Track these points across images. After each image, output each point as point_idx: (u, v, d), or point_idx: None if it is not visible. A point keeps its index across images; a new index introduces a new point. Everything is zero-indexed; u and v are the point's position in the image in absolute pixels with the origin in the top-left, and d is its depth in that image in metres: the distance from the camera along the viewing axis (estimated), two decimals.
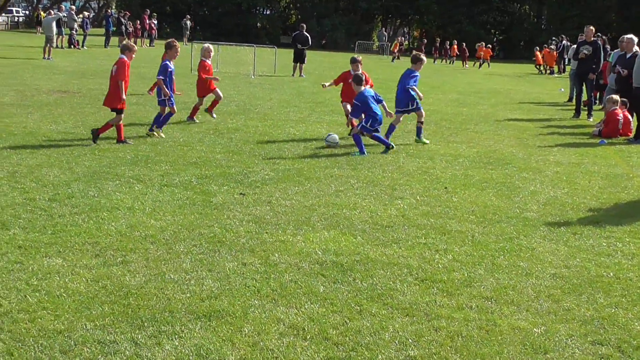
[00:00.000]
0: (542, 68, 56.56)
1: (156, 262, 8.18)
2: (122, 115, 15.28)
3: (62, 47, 46.65)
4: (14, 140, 14.96)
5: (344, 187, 12.41)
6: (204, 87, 19.41)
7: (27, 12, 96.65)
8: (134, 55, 15.38)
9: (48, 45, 38.96)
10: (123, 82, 15.03)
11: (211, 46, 19.98)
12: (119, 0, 77.36)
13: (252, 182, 12.45)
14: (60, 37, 46.80)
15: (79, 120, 17.99)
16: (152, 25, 57.06)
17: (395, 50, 60.44)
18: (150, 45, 56.15)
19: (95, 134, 15.18)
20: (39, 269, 7.80)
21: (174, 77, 16.86)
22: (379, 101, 16.03)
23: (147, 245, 8.79)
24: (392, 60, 58.10)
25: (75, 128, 16.81)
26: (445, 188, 12.71)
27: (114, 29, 55.54)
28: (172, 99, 16.59)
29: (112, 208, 10.37)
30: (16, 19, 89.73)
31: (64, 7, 57.84)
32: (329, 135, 16.53)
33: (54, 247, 8.57)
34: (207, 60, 19.43)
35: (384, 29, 71.35)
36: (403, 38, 73.98)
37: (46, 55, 38.33)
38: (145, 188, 11.63)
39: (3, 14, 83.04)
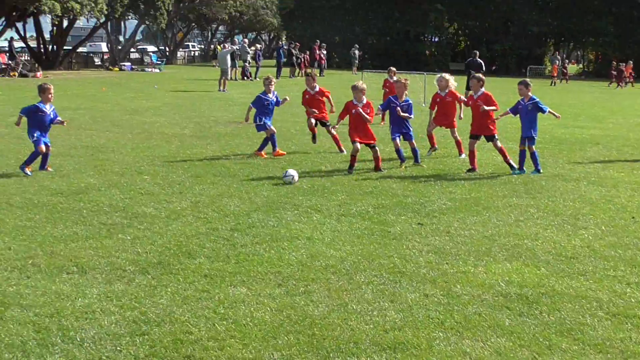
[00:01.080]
0: None
1: (338, 293, 8.23)
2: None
3: (236, 79, 48.02)
4: (195, 171, 15.45)
5: (524, 216, 12.15)
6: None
7: (202, 47, 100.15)
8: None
9: (223, 77, 40.22)
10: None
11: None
12: (289, 32, 78.94)
13: (429, 211, 12.37)
14: (234, 69, 48.21)
15: (255, 150, 18.38)
16: (322, 56, 57.94)
17: (555, 75, 58.84)
18: (320, 75, 57.02)
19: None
20: (225, 298, 7.98)
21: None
22: None
23: (329, 275, 8.86)
24: (552, 84, 56.63)
25: (252, 158, 17.19)
26: (633, 218, 12.22)
27: (285, 60, 56.74)
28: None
29: (292, 238, 10.52)
30: (192, 53, 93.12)
31: (237, 40, 59.64)
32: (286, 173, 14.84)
33: (238, 276, 8.76)
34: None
35: (556, 52, 69.83)
36: (567, 61, 72.17)
37: (221, 88, 39.56)
38: (323, 218, 11.75)
39: (181, 49, 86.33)
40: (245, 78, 49.89)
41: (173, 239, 10.32)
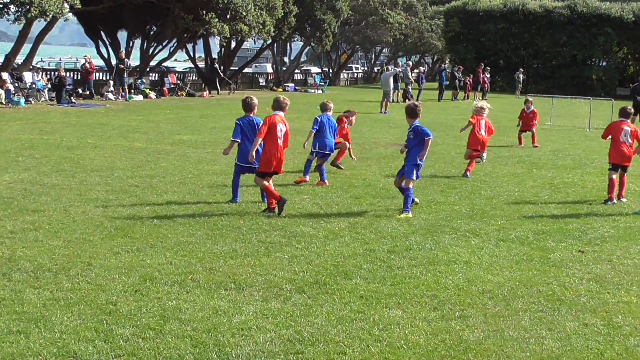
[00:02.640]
0: None
1: (494, 318, 8.06)
2: None
3: (397, 102, 48.07)
4: (355, 192, 15.52)
5: None
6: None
7: (365, 68, 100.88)
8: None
9: (385, 99, 40.38)
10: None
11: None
12: (453, 55, 78.56)
13: (591, 239, 11.99)
14: (397, 91, 48.29)
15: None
16: (486, 79, 57.28)
17: None
18: (483, 99, 56.37)
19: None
20: (380, 320, 7.95)
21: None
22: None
23: (485, 300, 8.70)
24: None
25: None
26: None
27: (447, 83, 56.41)
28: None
29: (449, 261, 10.40)
30: (355, 75, 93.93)
31: (400, 62, 59.74)
32: None
33: (394, 298, 8.72)
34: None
35: None
36: None
37: (383, 109, 39.71)
38: (482, 242, 11.57)
39: (344, 71, 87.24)
40: (407, 100, 49.90)
41: (330, 258, 10.37)
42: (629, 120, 15.90)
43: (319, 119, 16.72)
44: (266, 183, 13.27)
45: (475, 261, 10.45)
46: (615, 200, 15.36)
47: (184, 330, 7.50)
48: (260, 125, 13.30)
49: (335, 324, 7.83)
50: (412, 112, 14.01)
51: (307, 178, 16.73)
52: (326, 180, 16.40)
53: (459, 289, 9.14)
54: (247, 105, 14.20)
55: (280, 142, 13.12)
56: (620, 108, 16.20)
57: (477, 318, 8.07)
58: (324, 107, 17.13)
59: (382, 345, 7.27)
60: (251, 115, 14.10)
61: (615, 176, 15.52)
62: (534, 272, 9.98)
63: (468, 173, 18.07)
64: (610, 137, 15.84)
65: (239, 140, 14.02)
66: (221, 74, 55.31)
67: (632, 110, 16.36)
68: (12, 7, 34.18)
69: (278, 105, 13.64)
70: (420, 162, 13.81)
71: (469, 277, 9.66)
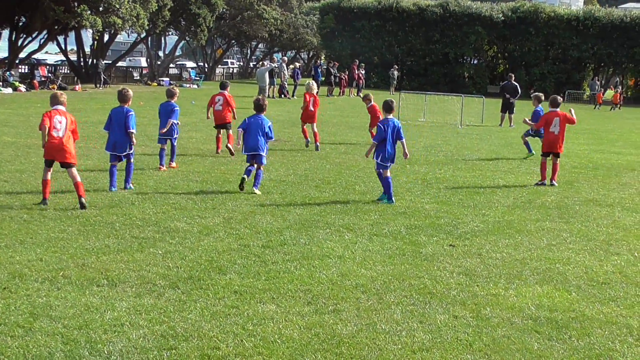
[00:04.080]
0: None
1: (367, 312, 8.20)
2: None
3: (273, 97, 48.15)
4: (229, 187, 15.48)
5: (556, 241, 12.04)
6: None
7: (241, 64, 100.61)
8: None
9: (261, 95, 40.36)
10: None
11: None
12: (329, 51, 79.08)
13: (461, 233, 12.31)
14: (272, 87, 48.36)
15: (290, 168, 18.42)
16: (361, 75, 57.94)
17: (600, 102, 58.09)
18: (357, 95, 57.03)
19: None
20: (254, 315, 7.98)
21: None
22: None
23: (359, 294, 8.84)
24: (612, 109, 56.35)
25: (286, 176, 17.22)
26: None
27: (323, 78, 56.82)
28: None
29: (323, 256, 10.51)
30: (231, 70, 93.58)
31: (276, 58, 59.85)
32: None
33: (268, 293, 8.76)
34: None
35: (596, 78, 69.23)
36: (603, 88, 71.30)
37: None
38: (355, 237, 11.72)
39: (219, 66, 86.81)
40: (283, 96, 50.05)
41: (204, 254, 10.34)
42: (558, 109, 17.72)
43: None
44: (47, 174, 13.22)
45: (349, 256, 10.59)
46: (546, 182, 17.51)
47: (54, 328, 7.36)
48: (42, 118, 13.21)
49: (209, 319, 7.82)
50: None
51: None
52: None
53: (332, 283, 9.25)
54: (123, 96, 14.76)
55: (57, 133, 13.04)
56: (550, 98, 18.16)
57: (351, 312, 8.19)
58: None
59: (256, 339, 7.30)
60: (126, 106, 14.67)
61: (546, 161, 17.61)
62: (406, 266, 10.18)
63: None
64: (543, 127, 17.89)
65: (108, 131, 14.76)
66: (101, 69, 54.24)
67: (561, 100, 18.22)
68: None
69: (57, 101, 13.57)
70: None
71: (343, 271, 9.79)
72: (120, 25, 46.79)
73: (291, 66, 57.40)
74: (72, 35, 58.65)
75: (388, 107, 14.82)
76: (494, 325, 7.97)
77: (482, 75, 73.55)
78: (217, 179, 16.37)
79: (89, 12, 43.57)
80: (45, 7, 43.60)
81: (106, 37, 59.69)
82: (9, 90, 43.25)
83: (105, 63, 57.91)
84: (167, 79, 65.41)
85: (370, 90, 63.03)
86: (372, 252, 10.88)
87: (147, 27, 51.43)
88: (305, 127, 23.17)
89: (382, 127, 14.49)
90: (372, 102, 22.57)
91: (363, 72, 59.14)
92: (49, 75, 52.29)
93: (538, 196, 16.08)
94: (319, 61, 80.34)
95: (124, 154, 14.71)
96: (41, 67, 54.39)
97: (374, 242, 11.47)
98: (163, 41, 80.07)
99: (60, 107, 13.48)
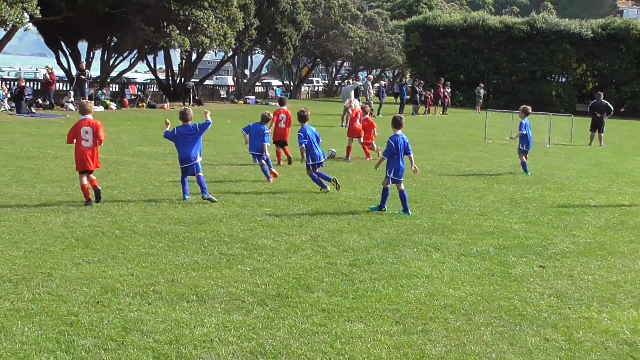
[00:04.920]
0: None
1: (456, 333, 8.11)
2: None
3: None
4: (316, 206, 15.52)
5: None
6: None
7: (326, 82, 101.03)
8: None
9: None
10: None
11: None
12: (414, 70, 78.91)
13: (551, 254, 12.10)
14: None
15: (376, 186, 18.36)
16: (446, 94, 57.62)
17: None
18: (443, 113, 56.73)
19: None
20: (342, 333, 7.97)
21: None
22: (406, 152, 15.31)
23: (447, 314, 8.75)
24: None
25: (373, 195, 17.17)
26: None
27: (408, 97, 56.68)
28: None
29: (411, 275, 10.44)
30: (316, 88, 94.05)
31: (360, 76, 59.94)
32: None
33: (356, 311, 8.74)
34: None
35: None
36: None
37: (344, 123, 39.74)
38: (443, 257, 11.63)
39: (305, 84, 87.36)
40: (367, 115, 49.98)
41: (292, 271, 10.38)
42: None
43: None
44: (83, 181, 14.40)
45: (436, 275, 10.51)
46: None
47: (145, 342, 7.46)
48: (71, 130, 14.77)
49: (298, 337, 7.83)
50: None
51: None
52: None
53: (420, 303, 9.18)
54: (185, 116, 15.59)
55: (86, 143, 14.46)
56: None
57: (439, 332, 8.12)
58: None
59: (344, 358, 7.29)
60: (188, 124, 15.53)
61: None
62: (495, 286, 10.05)
63: None
64: None
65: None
66: (190, 87, 55.29)
67: None
68: None
69: (84, 110, 14.92)
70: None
71: (431, 291, 9.71)
72: (207, 45, 47.47)
73: (376, 84, 57.30)
74: (161, 54, 59.75)
75: (397, 123, 15.39)
76: (587, 349, 7.80)
77: (570, 93, 72.39)
78: (304, 197, 16.42)
79: (177, 32, 44.31)
80: (136, 28, 44.52)
81: (194, 56, 60.66)
82: (101, 108, 44.19)
83: (192, 82, 58.89)
84: (253, 97, 66.11)
85: (457, 108, 62.75)
86: (460, 272, 10.77)
87: (234, 46, 52.03)
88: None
89: (392, 143, 15.05)
90: (368, 115, 24.79)
91: (449, 90, 58.80)
92: (139, 93, 53.32)
93: (631, 217, 15.73)
94: (404, 79, 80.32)
95: (191, 164, 15.37)
96: (131, 85, 55.51)
97: (461, 262, 11.36)
98: (249, 60, 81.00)
99: (88, 116, 14.71)
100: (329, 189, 17.10)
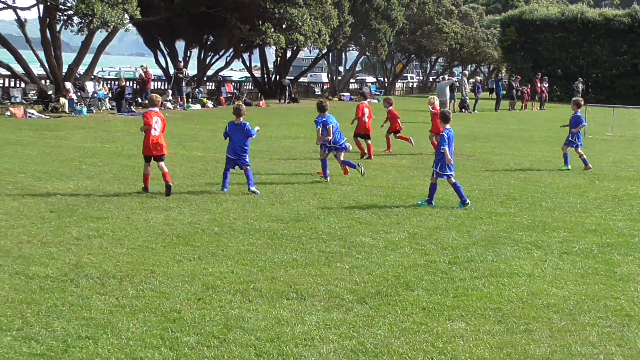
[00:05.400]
0: None
1: (561, 333, 7.94)
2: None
3: (454, 111, 47.76)
4: (413, 202, 15.41)
5: None
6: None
7: (421, 78, 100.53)
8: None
9: (441, 109, 40.12)
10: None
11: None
12: (510, 65, 77.88)
13: None
14: (453, 101, 47.97)
15: (474, 183, 18.17)
16: (544, 89, 56.70)
17: None
18: (541, 109, 55.86)
19: None
20: (444, 332, 7.88)
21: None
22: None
23: (550, 314, 8.57)
24: None
25: (470, 192, 16.96)
26: None
27: (504, 92, 55.96)
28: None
29: (512, 274, 10.27)
30: (410, 84, 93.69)
31: (456, 72, 59.42)
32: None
33: (457, 310, 8.63)
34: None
35: None
36: None
37: None
38: (544, 255, 11.40)
39: (399, 80, 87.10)
40: (464, 110, 49.56)
41: (391, 269, 10.32)
42: None
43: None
44: (148, 169, 15.63)
45: (538, 274, 10.31)
46: None
47: (247, 339, 7.51)
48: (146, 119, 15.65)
49: (398, 335, 7.78)
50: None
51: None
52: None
53: (522, 302, 9.02)
54: (239, 111, 16.47)
55: (155, 132, 15.49)
56: None
57: (543, 332, 7.95)
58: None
59: (447, 358, 7.20)
60: (240, 119, 16.31)
61: None
62: (600, 286, 9.80)
63: None
64: None
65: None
66: (286, 84, 55.79)
67: None
68: (76, 19, 34.78)
69: (152, 103, 16.17)
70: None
71: (533, 290, 9.53)
72: (302, 42, 47.72)
73: (472, 80, 56.77)
74: (256, 52, 60.33)
75: (446, 118, 15.63)
76: None
77: None
78: (401, 194, 16.34)
79: (272, 29, 44.68)
80: (232, 26, 45.05)
81: (289, 54, 61.07)
82: (198, 106, 44.90)
83: (287, 79, 59.31)
84: (348, 94, 66.18)
85: (554, 103, 61.68)
86: (563, 270, 10.55)
87: (328, 43, 52.22)
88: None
89: (446, 135, 15.17)
90: (392, 107, 24.62)
91: (546, 85, 57.86)
92: (235, 91, 53.97)
93: None
94: (500, 75, 79.31)
95: (237, 159, 16.06)
96: (227, 83, 56.21)
97: (564, 260, 11.12)
98: (344, 56, 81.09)
99: (155, 108, 15.87)
100: (328, 180, 17.71)
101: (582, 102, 22.57)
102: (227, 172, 16.21)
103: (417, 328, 8.00)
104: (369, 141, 22.87)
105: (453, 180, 15.20)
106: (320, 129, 17.86)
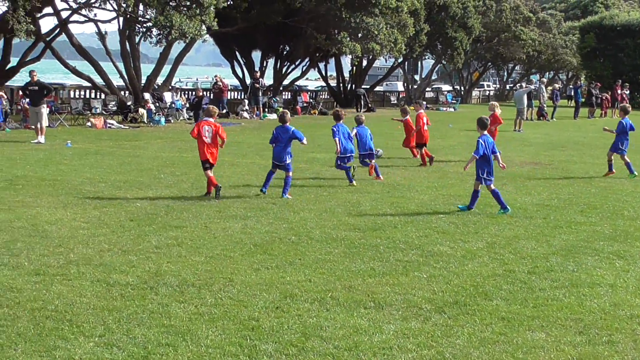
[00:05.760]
0: None
1: None
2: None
3: (531, 119, 47.24)
4: (491, 210, 15.26)
5: None
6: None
7: (497, 86, 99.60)
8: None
9: (519, 117, 39.74)
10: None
11: None
12: (589, 72, 76.64)
13: None
14: (531, 109, 47.43)
15: (552, 192, 17.93)
16: (624, 96, 55.63)
17: None
18: None
19: None
20: (524, 343, 7.79)
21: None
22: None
23: (634, 325, 8.41)
24: None
25: (549, 200, 16.76)
26: None
27: (583, 100, 55.11)
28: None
29: (593, 284, 10.10)
30: (487, 92, 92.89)
31: (533, 79, 58.71)
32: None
33: (537, 320, 8.52)
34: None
35: None
36: None
37: (517, 128, 39.07)
38: (627, 265, 11.19)
39: (475, 88, 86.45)
40: (542, 118, 48.94)
41: (469, 279, 10.24)
42: None
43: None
44: (208, 173, 16.35)
45: (621, 284, 10.12)
46: None
47: (325, 348, 7.52)
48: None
49: (477, 345, 7.70)
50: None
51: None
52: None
53: (604, 312, 8.86)
54: (282, 118, 17.14)
55: (206, 140, 16.27)
56: None
57: (626, 344, 7.80)
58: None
59: None
60: (286, 125, 16.96)
61: None
62: None
63: None
64: None
65: (273, 145, 17.00)
66: (364, 96, 55.97)
67: None
68: (155, 31, 35.31)
69: (207, 113, 16.93)
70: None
71: (615, 301, 9.36)
72: (378, 51, 47.66)
73: (549, 87, 55.99)
74: (331, 62, 60.52)
75: (483, 124, 15.57)
76: None
77: None
78: (478, 203, 16.16)
79: (348, 39, 44.72)
80: (308, 36, 45.27)
81: (364, 63, 61.11)
82: (274, 116, 45.13)
83: (363, 88, 59.34)
84: (424, 102, 65.80)
85: (635, 110, 60.47)
86: None
87: (404, 52, 52.06)
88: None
89: (482, 142, 15.14)
90: (408, 117, 24.29)
91: (627, 92, 56.76)
92: (310, 100, 54.18)
93: None
94: (579, 82, 78.08)
95: (282, 164, 16.63)
96: (303, 93, 56.47)
97: None
98: (419, 65, 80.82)
99: (209, 119, 16.55)
100: (355, 184, 18.16)
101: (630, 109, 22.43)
102: (271, 174, 16.87)
103: (496, 338, 7.92)
104: (426, 148, 23.34)
105: (492, 187, 15.24)
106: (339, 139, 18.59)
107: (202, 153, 16.40)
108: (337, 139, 18.53)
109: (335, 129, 18.72)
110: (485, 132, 15.43)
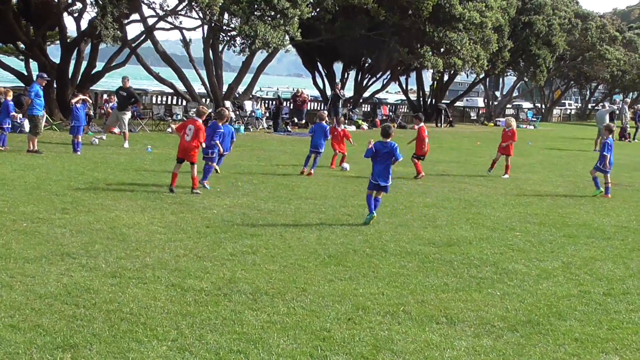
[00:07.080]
0: None
1: None
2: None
3: (613, 140, 46.38)
4: (568, 231, 15.11)
5: None
6: None
7: (579, 105, 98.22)
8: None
9: (601, 137, 39.09)
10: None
11: None
12: None
13: None
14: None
15: (632, 214, 17.65)
16: None
17: None
18: None
19: None
20: None
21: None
22: None
23: None
24: None
25: (628, 222, 16.50)
26: None
27: None
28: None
29: None
30: (568, 111, 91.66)
31: (616, 99, 57.76)
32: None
33: (611, 343, 8.44)
34: None
35: None
36: None
37: (597, 148, 38.45)
38: None
39: (557, 107, 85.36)
40: (624, 139, 48.09)
41: (543, 298, 10.16)
42: None
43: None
44: (176, 169, 17.66)
45: None
46: None
47: None
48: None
49: None
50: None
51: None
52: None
53: None
54: (386, 133, 15.33)
55: (186, 137, 17.59)
56: None
57: None
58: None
59: None
60: (387, 141, 15.18)
61: None
62: None
63: None
64: None
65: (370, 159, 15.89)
66: (446, 110, 55.87)
67: None
68: (239, 39, 35.71)
69: (197, 113, 18.70)
70: None
71: None
72: (460, 66, 47.45)
73: (632, 108, 54.94)
74: (412, 75, 60.42)
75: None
76: None
77: None
78: (555, 222, 16.04)
79: (431, 53, 44.62)
80: (391, 49, 45.25)
81: (445, 77, 60.87)
82: (353, 127, 45.24)
83: (443, 103, 59.13)
84: (503, 119, 65.30)
85: None
86: None
87: (486, 68, 51.71)
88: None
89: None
90: (422, 124, 23.83)
91: None
92: (390, 114, 54.16)
93: None
94: None
95: (385, 185, 15.17)
96: (383, 106, 56.44)
97: None
98: (501, 81, 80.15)
99: (198, 119, 18.05)
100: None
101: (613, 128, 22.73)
102: (370, 197, 15.22)
103: (569, 359, 7.85)
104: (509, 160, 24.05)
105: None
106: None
107: (180, 151, 17.81)
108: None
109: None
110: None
